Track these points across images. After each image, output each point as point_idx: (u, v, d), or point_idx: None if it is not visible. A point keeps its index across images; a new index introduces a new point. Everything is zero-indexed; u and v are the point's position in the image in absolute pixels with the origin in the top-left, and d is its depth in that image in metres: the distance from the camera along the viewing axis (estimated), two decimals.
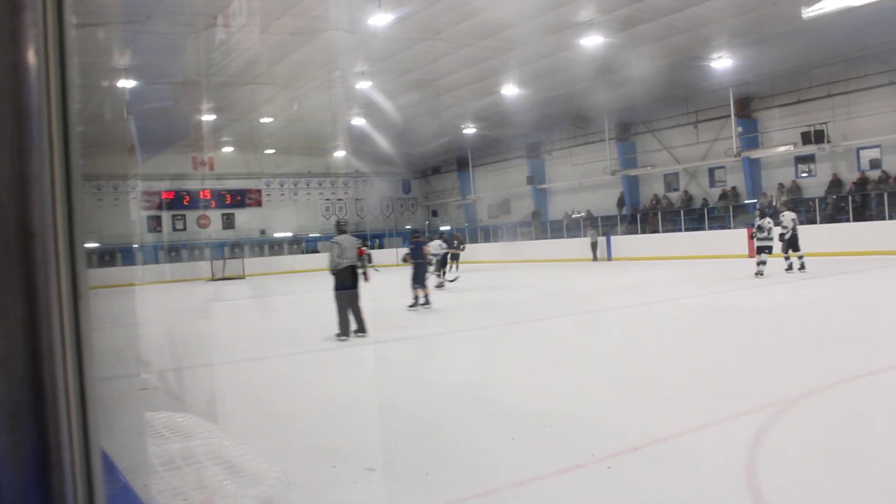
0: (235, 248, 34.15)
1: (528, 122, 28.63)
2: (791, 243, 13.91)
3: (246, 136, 30.91)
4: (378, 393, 5.51)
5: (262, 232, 35.71)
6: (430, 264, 13.67)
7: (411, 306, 12.00)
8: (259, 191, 36.36)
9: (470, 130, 30.02)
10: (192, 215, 34.35)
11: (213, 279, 29.08)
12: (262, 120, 27.48)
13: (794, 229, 13.86)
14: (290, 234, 36.27)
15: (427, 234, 29.03)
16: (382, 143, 30.86)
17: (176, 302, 16.96)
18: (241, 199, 35.73)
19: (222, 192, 34.92)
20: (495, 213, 36.03)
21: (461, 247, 21.87)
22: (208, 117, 26.20)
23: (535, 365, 6.18)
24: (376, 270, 15.08)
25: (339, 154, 35.80)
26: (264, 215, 36.05)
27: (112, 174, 31.78)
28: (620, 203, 28.07)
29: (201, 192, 33.97)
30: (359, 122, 27.97)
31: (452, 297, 13.93)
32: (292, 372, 6.69)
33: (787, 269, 14.08)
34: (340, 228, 8.53)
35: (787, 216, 13.95)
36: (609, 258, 24.78)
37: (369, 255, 15.96)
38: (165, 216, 33.52)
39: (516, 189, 33.82)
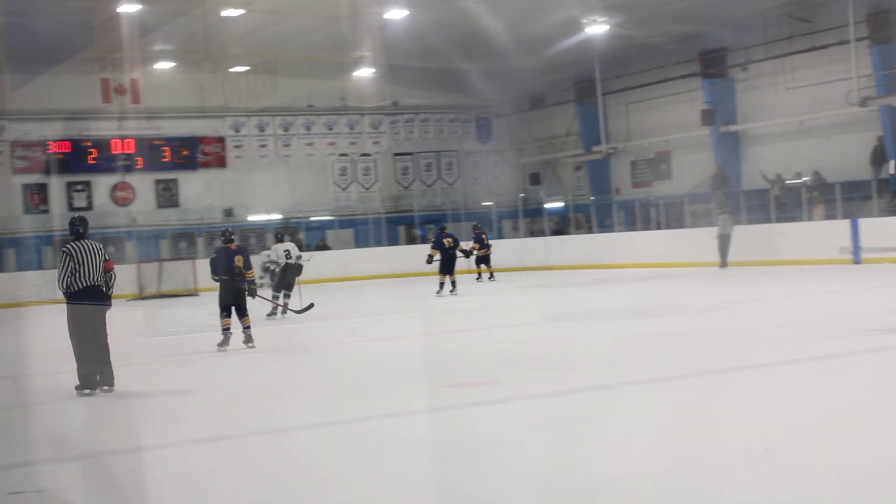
0: (181, 242, 34.89)
1: (703, 11, 28.50)
2: None
3: (197, 42, 31.65)
4: None
5: (229, 213, 36.41)
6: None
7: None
8: (222, 140, 37.09)
9: (599, 28, 30.02)
10: (102, 183, 35.35)
11: (142, 296, 29.78)
12: (226, 13, 28.08)
13: None
14: (276, 217, 36.88)
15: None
16: (441, 52, 30.95)
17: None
18: (191, 154, 36.52)
19: (156, 142, 35.80)
20: (645, 178, 36.17)
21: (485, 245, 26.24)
22: (129, 7, 26.94)
23: (759, 456, 6.43)
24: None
25: (364, 73, 36.20)
26: (231, 183, 36.75)
27: None
28: (877, 158, 27.52)
29: (118, 143, 34.90)
30: (398, 14, 28.25)
31: (559, 330, 14.73)
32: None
33: None
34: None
35: None
36: (855, 256, 24.26)
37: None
38: (55, 185, 34.65)
39: (682, 134, 33.81)
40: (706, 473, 6.08)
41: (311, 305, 17.18)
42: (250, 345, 13.99)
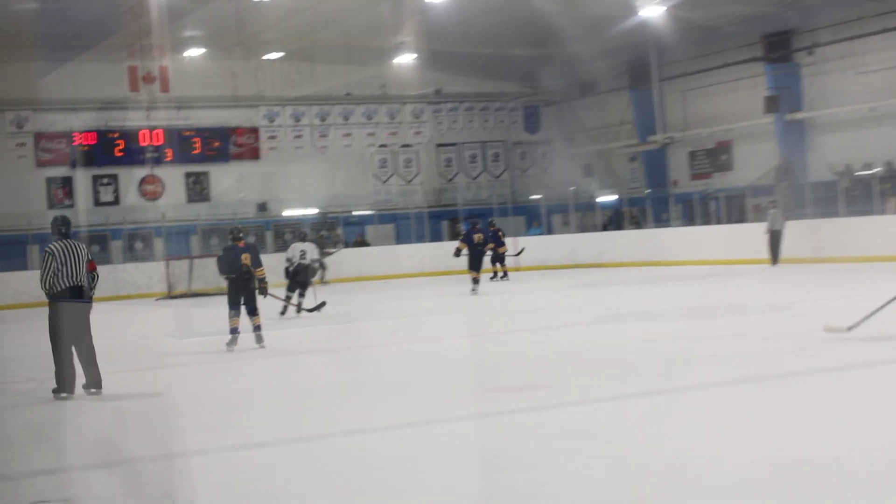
0: (212, 239, 35.13)
1: None
2: None
3: (229, 28, 31.90)
4: None
5: (262, 208, 36.64)
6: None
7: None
8: (255, 130, 37.40)
9: (655, 9, 29.93)
10: (130, 176, 35.71)
11: (171, 295, 30.07)
12: None
13: None
14: (313, 212, 37.12)
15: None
16: (487, 37, 30.94)
17: (105, 339, 17.59)
18: (222, 146, 36.81)
19: (186, 133, 36.12)
20: (704, 170, 36.04)
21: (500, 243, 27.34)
22: None
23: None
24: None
25: (405, 60, 36.29)
26: (265, 176, 36.99)
27: None
28: None
29: (147, 134, 35.22)
30: None
31: (612, 332, 14.70)
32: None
33: None
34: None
35: None
36: None
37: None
38: (80, 178, 35.09)
39: (744, 123, 33.67)
40: (774, 486, 6.05)
41: (324, 304, 17.86)
42: (261, 345, 14.37)
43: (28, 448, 8.60)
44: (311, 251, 20.05)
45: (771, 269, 25.73)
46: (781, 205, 27.35)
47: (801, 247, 26.62)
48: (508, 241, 30.00)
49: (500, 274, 28.76)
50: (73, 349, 10.80)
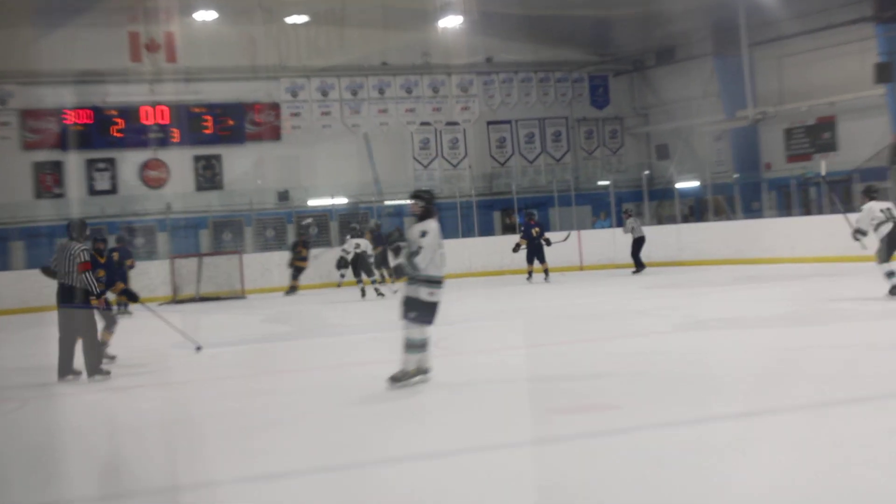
0: (224, 233, 35.36)
1: None
2: None
3: None
4: None
5: (283, 197, 36.80)
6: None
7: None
8: (276, 106, 37.62)
9: None
10: (129, 160, 36.01)
11: (177, 299, 30.36)
12: None
13: None
14: (343, 202, 37.23)
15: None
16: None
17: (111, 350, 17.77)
18: (237, 124, 37.01)
19: (195, 109, 36.38)
20: (803, 150, 35.89)
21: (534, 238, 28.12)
22: None
23: None
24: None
25: (451, 23, 36.29)
26: (287, 160, 37.18)
27: None
28: None
29: (150, 111, 35.50)
30: None
31: (693, 342, 14.78)
32: None
33: None
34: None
35: None
36: None
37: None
38: (73, 162, 35.46)
39: (850, 95, 33.56)
40: None
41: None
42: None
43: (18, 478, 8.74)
44: (364, 245, 25.50)
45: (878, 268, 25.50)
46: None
47: None
48: (557, 235, 29.92)
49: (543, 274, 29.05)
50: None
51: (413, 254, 11.45)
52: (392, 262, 29.32)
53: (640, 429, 9.03)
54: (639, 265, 29.53)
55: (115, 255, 21.63)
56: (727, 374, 11.76)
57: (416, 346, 11.54)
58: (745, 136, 37.18)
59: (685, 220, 36.36)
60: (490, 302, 24.14)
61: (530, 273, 27.95)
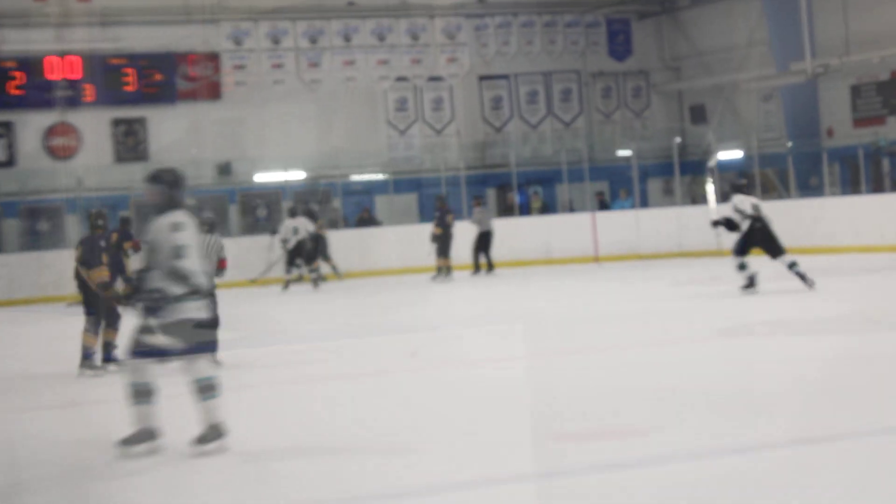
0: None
1: None
2: None
3: None
4: None
5: (224, 170, 36.77)
6: None
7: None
8: (215, 57, 37.56)
9: None
10: (31, 123, 35.94)
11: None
12: None
13: None
14: (299, 177, 37.23)
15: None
16: None
17: (15, 362, 17.85)
18: (167, 80, 37.00)
19: (114, 61, 36.31)
20: (874, 112, 36.14)
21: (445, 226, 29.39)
22: None
23: None
24: None
25: None
26: (229, 124, 37.19)
27: None
28: None
29: (57, 62, 35.45)
30: None
31: (737, 351, 14.72)
32: None
33: None
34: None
35: None
36: None
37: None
38: None
39: None
40: None
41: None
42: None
43: None
44: (303, 226, 25.37)
45: None
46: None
47: None
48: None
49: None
50: None
51: (176, 258, 10.09)
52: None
53: (673, 459, 9.00)
54: (477, 265, 30.35)
55: (114, 237, 21.43)
56: (779, 389, 11.85)
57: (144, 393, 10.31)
58: (802, 95, 37.21)
59: (726, 199, 36.43)
60: (481, 301, 24.21)
61: (439, 269, 29.56)
